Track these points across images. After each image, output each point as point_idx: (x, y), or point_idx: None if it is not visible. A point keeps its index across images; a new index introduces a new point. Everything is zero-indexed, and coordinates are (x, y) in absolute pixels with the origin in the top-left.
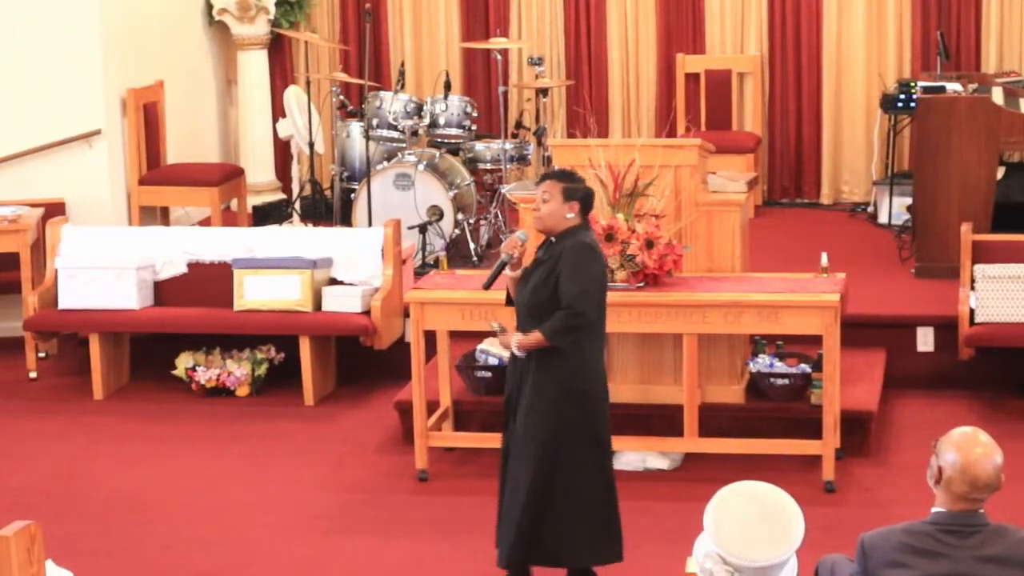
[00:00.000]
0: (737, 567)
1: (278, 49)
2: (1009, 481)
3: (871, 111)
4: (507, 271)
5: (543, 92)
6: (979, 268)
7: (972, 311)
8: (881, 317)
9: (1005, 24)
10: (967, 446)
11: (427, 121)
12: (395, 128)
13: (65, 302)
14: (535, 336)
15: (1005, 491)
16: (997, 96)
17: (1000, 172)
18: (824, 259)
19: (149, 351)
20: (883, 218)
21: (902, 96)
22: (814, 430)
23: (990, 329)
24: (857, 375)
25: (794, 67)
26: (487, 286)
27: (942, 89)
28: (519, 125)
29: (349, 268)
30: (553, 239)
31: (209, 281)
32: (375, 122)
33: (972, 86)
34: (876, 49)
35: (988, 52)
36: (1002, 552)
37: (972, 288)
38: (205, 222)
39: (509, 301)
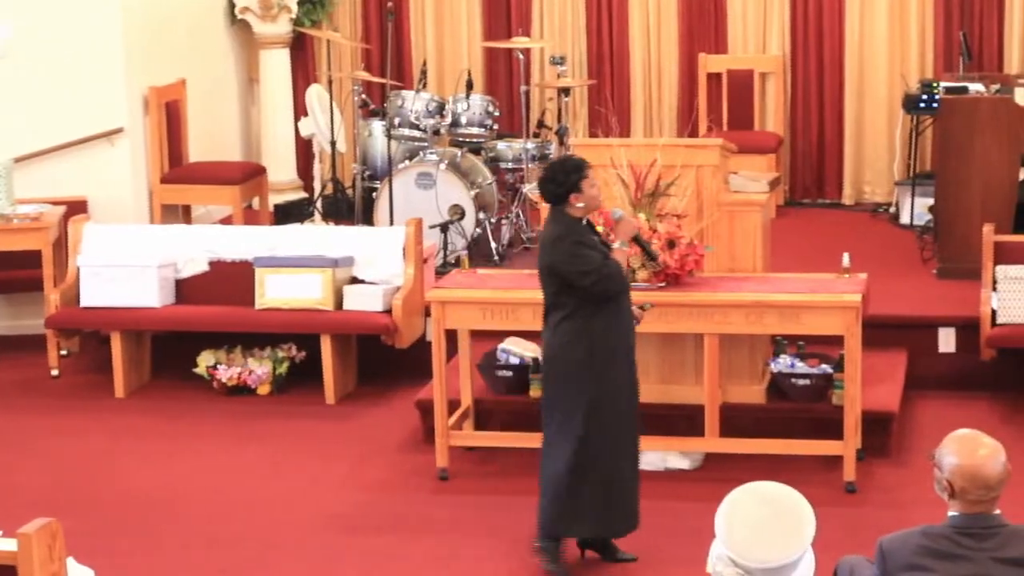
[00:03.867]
0: (747, 569)
1: (300, 48)
2: None
3: (893, 111)
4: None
5: (565, 91)
6: (1001, 269)
7: (994, 312)
8: (903, 318)
9: None
10: (971, 451)
11: (449, 120)
12: (417, 127)
13: (87, 300)
14: None
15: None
16: (1020, 97)
17: (1022, 173)
18: (846, 259)
19: (170, 349)
20: (905, 218)
21: (924, 96)
22: (835, 431)
23: (1012, 330)
24: (878, 376)
25: (816, 67)
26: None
27: (965, 90)
28: (541, 124)
29: (370, 267)
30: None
31: (230, 279)
32: (397, 121)
33: (995, 87)
34: (898, 49)
35: (1011, 53)
36: (1023, 555)
37: (994, 289)
38: (227, 220)
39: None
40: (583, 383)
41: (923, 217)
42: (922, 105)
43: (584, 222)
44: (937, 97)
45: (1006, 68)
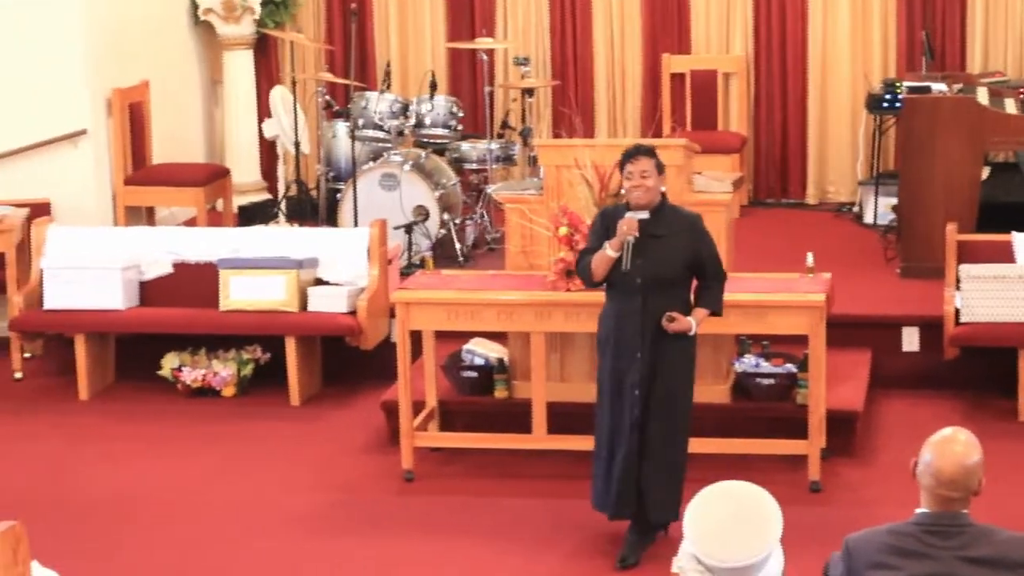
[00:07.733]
0: (710, 567)
1: (263, 49)
2: (994, 481)
3: (856, 111)
4: (610, 251)
5: (529, 92)
6: (964, 268)
7: (957, 311)
8: (866, 317)
9: (990, 24)
10: (943, 445)
11: (413, 121)
12: (381, 128)
13: (50, 302)
14: (704, 312)
15: (990, 491)
16: (982, 96)
17: (985, 172)
18: (810, 259)
19: (135, 351)
20: (868, 218)
21: (887, 96)
22: (799, 430)
23: (975, 329)
24: (842, 375)
25: (779, 67)
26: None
27: (927, 89)
28: (505, 125)
29: (335, 268)
30: (649, 213)
31: (195, 281)
32: (361, 122)
33: (957, 86)
34: (861, 49)
35: (973, 52)
36: (989, 554)
37: (957, 288)
38: (190, 222)
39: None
40: (602, 358)
41: (886, 216)
42: (885, 105)
43: (627, 206)
44: (900, 97)
45: (968, 67)
